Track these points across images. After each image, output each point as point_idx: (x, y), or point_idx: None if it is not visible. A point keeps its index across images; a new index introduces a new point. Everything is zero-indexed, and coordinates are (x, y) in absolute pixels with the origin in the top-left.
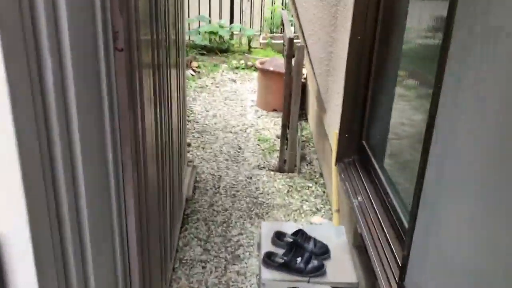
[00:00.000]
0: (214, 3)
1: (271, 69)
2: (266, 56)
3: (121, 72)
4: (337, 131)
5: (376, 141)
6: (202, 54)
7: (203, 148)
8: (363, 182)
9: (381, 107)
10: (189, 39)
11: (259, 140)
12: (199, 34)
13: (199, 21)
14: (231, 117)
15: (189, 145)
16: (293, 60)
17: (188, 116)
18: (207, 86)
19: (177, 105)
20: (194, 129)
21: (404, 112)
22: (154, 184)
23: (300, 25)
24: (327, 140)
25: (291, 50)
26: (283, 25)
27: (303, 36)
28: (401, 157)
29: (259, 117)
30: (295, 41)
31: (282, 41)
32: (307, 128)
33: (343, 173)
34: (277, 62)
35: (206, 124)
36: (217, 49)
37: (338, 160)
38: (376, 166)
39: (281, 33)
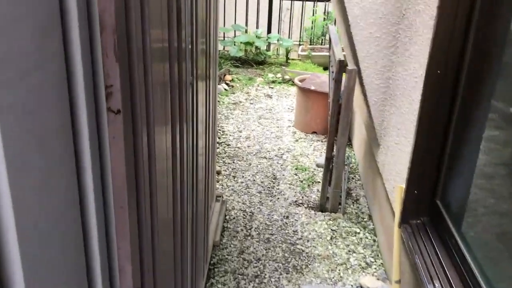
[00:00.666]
0: (251, 11)
1: (312, 88)
2: (305, 70)
3: (117, 148)
4: (401, 184)
5: (457, 202)
6: (237, 67)
7: (234, 177)
8: (439, 259)
9: (466, 158)
10: (223, 49)
11: (296, 168)
12: (234, 44)
13: (234, 31)
14: (266, 140)
15: (218, 173)
16: (342, 84)
17: (219, 138)
18: (240, 102)
19: (205, 125)
20: (225, 153)
21: (498, 166)
22: (167, 228)
23: (352, 45)
24: (378, 176)
25: (340, 74)
26: (330, 42)
27: (356, 58)
28: (496, 227)
29: (296, 141)
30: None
31: (322, 53)
32: (351, 156)
33: (410, 241)
34: (319, 80)
35: (238, 148)
36: (252, 60)
37: (403, 221)
38: (457, 236)
39: (321, 44)
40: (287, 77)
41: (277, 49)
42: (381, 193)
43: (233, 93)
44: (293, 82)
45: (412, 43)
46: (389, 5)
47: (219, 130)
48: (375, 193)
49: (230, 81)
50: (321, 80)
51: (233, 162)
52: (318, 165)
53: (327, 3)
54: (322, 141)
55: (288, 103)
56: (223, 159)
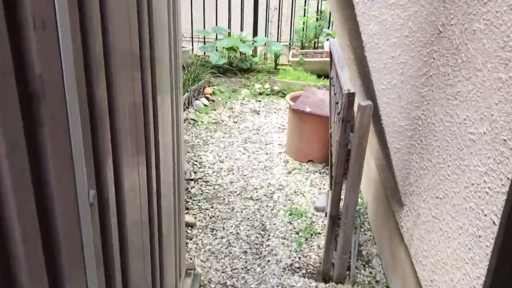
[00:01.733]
0: (234, 12)
1: (308, 110)
2: (297, 79)
3: None
4: (442, 277)
5: None
6: (219, 76)
7: (212, 230)
8: None
9: None
10: (204, 54)
11: (290, 214)
12: (216, 50)
13: (216, 34)
14: (253, 172)
15: (192, 226)
16: (356, 124)
17: (195, 173)
18: (223, 121)
19: (165, 162)
20: (201, 193)
21: None
22: None
23: (365, 72)
24: (399, 240)
25: (349, 111)
26: (331, 60)
27: (370, 89)
28: None
29: (289, 173)
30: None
31: (316, 59)
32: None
33: None
34: (315, 98)
35: (219, 185)
36: (237, 68)
37: None
38: None
39: (314, 48)
40: (276, 88)
41: (265, 53)
42: (405, 265)
43: (214, 110)
44: (283, 93)
45: (461, 77)
46: (419, 18)
47: (195, 161)
48: (394, 260)
49: (210, 94)
50: (318, 97)
51: (212, 207)
52: (317, 209)
53: (319, 1)
54: (320, 173)
55: (278, 120)
56: (199, 203)
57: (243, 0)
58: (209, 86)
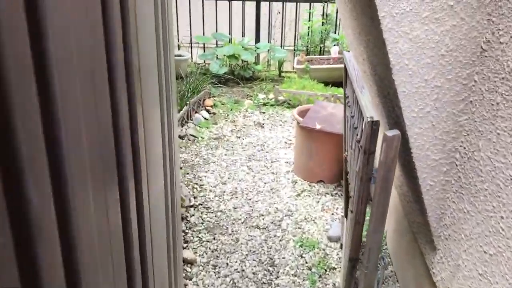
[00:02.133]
0: (235, 16)
1: (318, 127)
2: (303, 88)
3: None
4: None
5: None
6: (220, 86)
7: (214, 267)
8: None
9: None
10: (204, 63)
11: (301, 245)
12: (217, 58)
13: (216, 41)
14: (258, 195)
15: (191, 263)
16: (381, 156)
17: (195, 198)
18: (224, 136)
19: (152, 192)
20: (202, 223)
21: None
22: None
23: (391, 96)
24: (424, 280)
25: (372, 141)
26: (346, 76)
27: (397, 116)
28: None
29: (299, 195)
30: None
31: (322, 66)
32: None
33: None
34: (325, 112)
35: (221, 212)
36: (238, 77)
37: None
38: None
39: (320, 53)
40: (281, 98)
41: (268, 60)
42: None
43: (215, 123)
44: (289, 104)
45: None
46: (458, 34)
47: (195, 184)
48: None
49: (211, 106)
50: (328, 112)
51: (214, 239)
52: (330, 239)
53: (325, 3)
54: (332, 195)
55: (284, 134)
56: (200, 235)
57: (244, 4)
58: (209, 97)
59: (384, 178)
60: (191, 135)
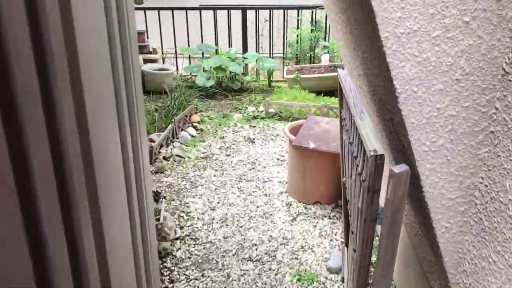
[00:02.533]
0: (221, 26)
1: (312, 146)
2: (294, 99)
3: None
4: None
5: None
6: (207, 100)
7: None
8: None
9: None
10: (190, 75)
11: (299, 279)
12: (203, 70)
13: (202, 53)
14: (251, 222)
15: None
16: (388, 194)
17: (182, 228)
18: (213, 155)
19: (112, 253)
20: (189, 257)
21: None
22: None
23: (398, 128)
24: None
25: (376, 179)
26: (341, 96)
27: (405, 149)
28: None
29: (294, 219)
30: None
31: (313, 76)
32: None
33: None
34: (318, 129)
35: (211, 243)
36: (226, 89)
37: None
38: None
39: (310, 62)
40: (271, 110)
41: (257, 70)
42: None
43: (203, 141)
44: (280, 116)
45: None
46: (476, 55)
47: (182, 211)
48: None
49: (198, 123)
50: (322, 128)
51: (203, 276)
52: (330, 270)
53: (313, 10)
54: (329, 217)
55: (276, 149)
56: (187, 272)
57: (230, 13)
58: (196, 113)
59: (391, 220)
60: (177, 155)
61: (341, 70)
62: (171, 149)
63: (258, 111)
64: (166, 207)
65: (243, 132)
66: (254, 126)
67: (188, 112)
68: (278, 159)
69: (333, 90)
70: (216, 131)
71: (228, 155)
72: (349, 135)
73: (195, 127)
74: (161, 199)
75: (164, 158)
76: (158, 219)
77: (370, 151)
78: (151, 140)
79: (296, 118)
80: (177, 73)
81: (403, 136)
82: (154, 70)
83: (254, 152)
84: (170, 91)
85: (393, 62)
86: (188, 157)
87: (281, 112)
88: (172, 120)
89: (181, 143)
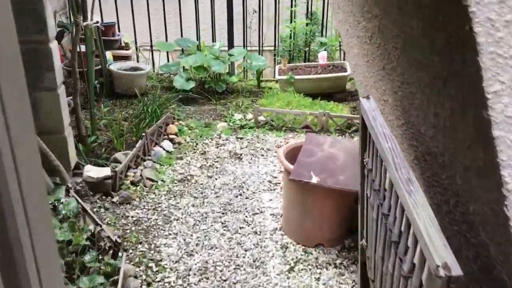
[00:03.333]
0: (204, 18)
1: (314, 181)
2: (287, 105)
3: None
4: None
5: None
6: (186, 104)
7: None
8: None
9: None
10: (169, 76)
11: None
12: (183, 69)
13: (182, 49)
14: (237, 273)
15: None
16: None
17: (150, 285)
18: (192, 176)
19: None
20: None
21: None
22: None
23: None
24: None
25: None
26: (365, 138)
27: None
28: None
29: (292, 269)
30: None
31: (309, 77)
32: None
33: None
34: (320, 154)
35: None
36: (209, 92)
37: None
38: None
39: (305, 59)
40: (261, 118)
41: (244, 69)
42: None
43: (181, 158)
44: (271, 126)
45: None
46: None
47: (150, 259)
48: None
49: (175, 134)
50: (325, 152)
51: None
52: None
53: (309, 0)
54: (336, 266)
55: (267, 168)
56: None
57: (214, 2)
58: (173, 122)
59: None
60: (148, 178)
61: (365, 100)
62: (141, 170)
63: (246, 119)
64: (129, 256)
65: (229, 145)
66: (241, 138)
67: (164, 121)
68: (270, 181)
69: (331, 92)
70: (197, 144)
71: (210, 177)
72: (382, 201)
73: (171, 140)
74: (120, 253)
75: (132, 183)
76: (116, 282)
77: (438, 266)
78: (116, 161)
79: (290, 128)
80: (153, 71)
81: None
82: (125, 70)
83: (242, 172)
84: (143, 95)
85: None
86: (162, 181)
87: (273, 121)
88: (144, 134)
89: (154, 162)
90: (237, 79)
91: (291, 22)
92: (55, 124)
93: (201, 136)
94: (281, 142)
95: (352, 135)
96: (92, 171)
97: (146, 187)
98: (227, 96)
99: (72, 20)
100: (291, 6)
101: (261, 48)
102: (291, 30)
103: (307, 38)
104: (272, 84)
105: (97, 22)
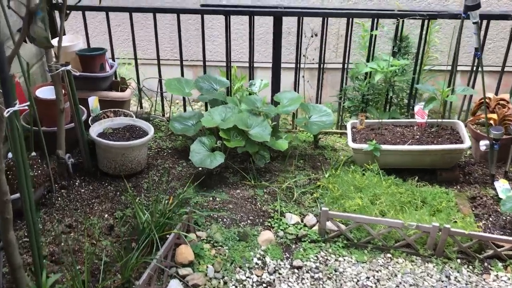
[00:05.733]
0: (236, 44)
1: None
2: (374, 199)
3: None
4: None
5: None
6: (208, 188)
7: None
8: None
9: None
10: (183, 139)
11: None
12: (206, 134)
13: (202, 94)
14: None
15: None
16: None
17: None
18: None
19: None
20: None
21: None
22: None
23: None
24: None
25: None
26: None
27: None
28: None
29: None
30: None
31: (404, 148)
32: None
33: None
34: None
35: None
36: (243, 160)
37: None
38: None
39: (385, 110)
40: (330, 226)
41: (293, 123)
42: None
43: None
44: (347, 239)
45: None
46: None
47: None
48: None
49: (189, 264)
50: None
51: None
52: None
53: (399, 21)
54: None
55: None
56: None
57: (253, 20)
58: (189, 231)
59: None
60: None
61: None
62: None
63: (305, 227)
64: None
65: (280, 285)
66: (299, 268)
67: (172, 242)
68: None
69: (432, 168)
70: (224, 277)
71: None
72: None
73: (182, 278)
74: None
75: None
76: None
77: None
78: None
79: (381, 247)
80: (164, 119)
81: None
82: (114, 133)
83: None
84: (142, 172)
85: None
86: None
87: (350, 232)
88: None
89: None
90: (287, 144)
91: (372, 53)
92: None
93: (231, 264)
94: (366, 276)
95: (489, 266)
96: None
97: None
98: (270, 168)
99: None
100: (372, 28)
101: (320, 91)
102: (372, 68)
103: (391, 81)
104: (335, 139)
105: (67, 64)
